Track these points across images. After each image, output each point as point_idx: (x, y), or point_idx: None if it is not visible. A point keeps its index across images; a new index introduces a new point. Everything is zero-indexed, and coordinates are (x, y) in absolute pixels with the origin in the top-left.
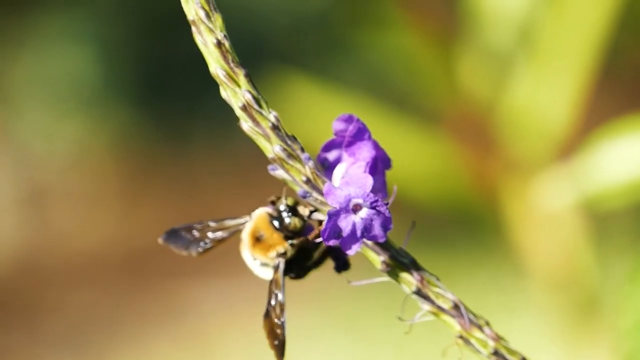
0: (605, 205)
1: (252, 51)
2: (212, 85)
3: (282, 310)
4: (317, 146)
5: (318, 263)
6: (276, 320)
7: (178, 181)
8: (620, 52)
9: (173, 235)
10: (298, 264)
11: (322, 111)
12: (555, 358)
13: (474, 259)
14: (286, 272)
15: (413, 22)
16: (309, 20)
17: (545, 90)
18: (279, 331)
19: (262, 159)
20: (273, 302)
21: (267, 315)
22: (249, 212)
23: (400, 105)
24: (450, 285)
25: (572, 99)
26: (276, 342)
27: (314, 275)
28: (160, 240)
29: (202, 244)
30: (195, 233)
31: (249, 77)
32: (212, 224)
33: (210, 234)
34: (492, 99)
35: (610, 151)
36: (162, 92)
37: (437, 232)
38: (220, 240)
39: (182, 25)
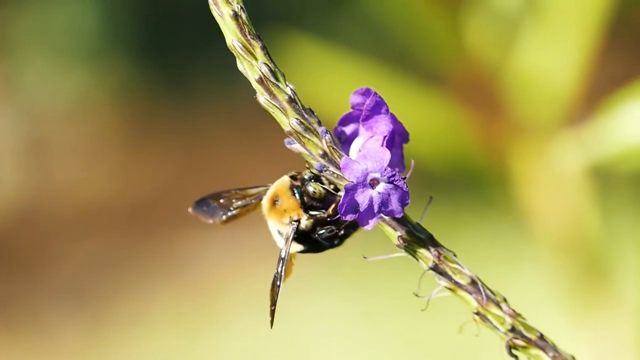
0: (614, 169)
1: (251, 12)
2: (214, 37)
3: (280, 278)
4: (319, 106)
5: (335, 242)
6: (276, 287)
7: (179, 133)
8: (626, 14)
9: (201, 204)
10: (313, 240)
11: (324, 72)
12: (555, 313)
13: (477, 214)
14: (301, 244)
15: None
16: None
17: (553, 52)
18: (275, 298)
19: (263, 113)
20: (279, 270)
21: (273, 283)
22: (250, 164)
23: (406, 66)
24: (452, 239)
25: (579, 61)
26: (272, 308)
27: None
28: (190, 210)
29: (227, 211)
30: (222, 201)
31: (266, 49)
32: (238, 192)
33: (235, 202)
34: (499, 60)
35: (620, 115)
36: (163, 45)
37: (440, 187)
38: (244, 207)
39: None
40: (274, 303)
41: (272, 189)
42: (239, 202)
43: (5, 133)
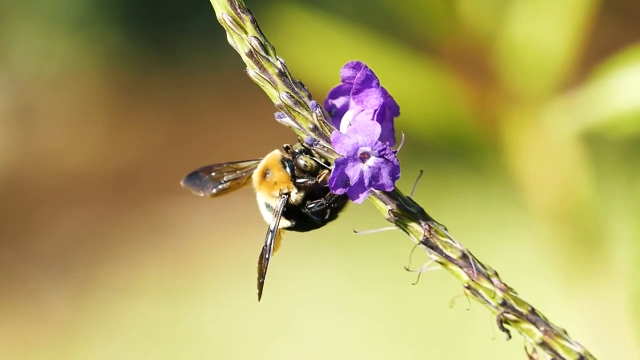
0: (606, 136)
1: None
2: (202, 5)
3: (268, 251)
4: (309, 78)
5: (325, 217)
6: (264, 261)
7: (166, 101)
8: None
9: (192, 177)
10: (302, 215)
11: (315, 42)
12: (545, 280)
13: (467, 182)
14: (289, 219)
15: None
16: None
17: (545, 20)
18: (264, 270)
19: (253, 82)
20: (267, 243)
21: (261, 256)
22: (237, 133)
23: (397, 35)
24: (441, 207)
25: (572, 30)
26: (261, 280)
27: None
28: (181, 183)
29: (217, 184)
30: (213, 174)
31: (256, 22)
32: (229, 165)
33: (226, 175)
34: (492, 28)
35: (611, 83)
36: (152, 13)
37: (430, 156)
38: (234, 181)
39: None
40: (262, 276)
41: (263, 162)
42: (230, 176)
43: None
